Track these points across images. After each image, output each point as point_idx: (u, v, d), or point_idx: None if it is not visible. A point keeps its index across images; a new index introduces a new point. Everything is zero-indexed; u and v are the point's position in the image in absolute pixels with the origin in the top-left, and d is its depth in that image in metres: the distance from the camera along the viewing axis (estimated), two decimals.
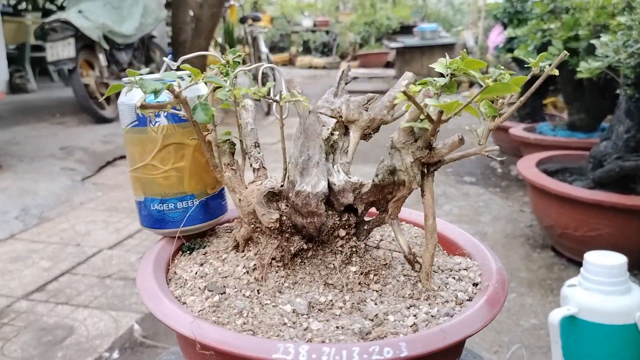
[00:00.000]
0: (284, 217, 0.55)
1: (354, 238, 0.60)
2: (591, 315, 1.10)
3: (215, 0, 5.12)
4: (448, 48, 7.27)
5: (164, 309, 0.53)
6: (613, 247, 1.48)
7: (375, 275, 0.59)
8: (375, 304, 0.56)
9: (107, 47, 4.59)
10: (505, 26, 3.65)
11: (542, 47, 2.85)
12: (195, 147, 0.65)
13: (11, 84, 5.79)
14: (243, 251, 0.63)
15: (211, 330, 0.49)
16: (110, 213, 2.78)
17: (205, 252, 0.66)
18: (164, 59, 0.69)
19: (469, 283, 0.62)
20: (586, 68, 1.98)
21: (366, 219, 0.62)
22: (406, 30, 9.09)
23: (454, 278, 0.63)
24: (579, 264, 2.12)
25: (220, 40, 6.64)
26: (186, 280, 0.59)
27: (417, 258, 0.61)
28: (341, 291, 0.57)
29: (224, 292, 0.56)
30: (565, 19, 2.72)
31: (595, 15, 2.59)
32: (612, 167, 1.95)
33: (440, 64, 0.53)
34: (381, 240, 0.67)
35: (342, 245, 0.59)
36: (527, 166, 2.26)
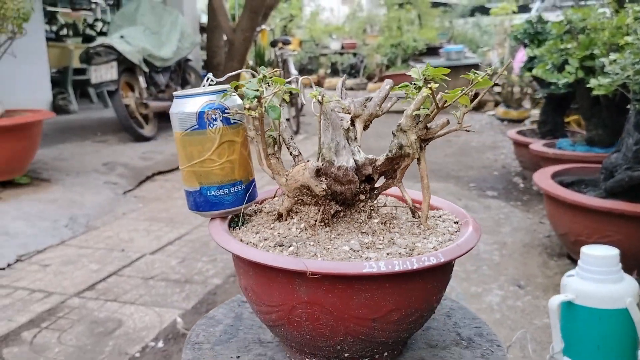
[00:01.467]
0: (326, 187, 0.73)
1: (369, 200, 0.80)
2: (587, 300, 1.23)
3: (247, 25, 5.38)
4: (473, 68, 7.39)
5: (267, 257, 0.70)
6: (624, 253, 1.60)
7: (390, 223, 0.81)
8: (401, 239, 0.76)
9: (146, 69, 4.87)
10: (525, 46, 3.79)
11: (560, 66, 2.98)
12: (242, 143, 0.83)
13: (54, 105, 6.13)
14: (286, 220, 0.81)
15: (314, 262, 0.67)
16: (151, 222, 2.99)
17: (253, 225, 0.84)
18: (209, 74, 0.87)
19: (451, 222, 0.85)
20: (596, 85, 2.11)
21: (376, 185, 0.83)
22: (432, 51, 9.26)
23: (440, 220, 0.86)
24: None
25: (252, 62, 6.91)
26: (255, 243, 0.76)
27: (416, 208, 0.83)
28: (374, 234, 0.77)
29: (292, 245, 0.73)
30: (581, 39, 2.86)
31: (610, 35, 2.72)
32: (622, 177, 2.07)
33: (414, 72, 0.72)
34: (384, 204, 0.88)
35: (363, 206, 0.80)
36: (543, 177, 2.39)
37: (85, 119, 5.90)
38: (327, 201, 0.75)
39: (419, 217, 0.82)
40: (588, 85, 2.33)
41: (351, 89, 9.94)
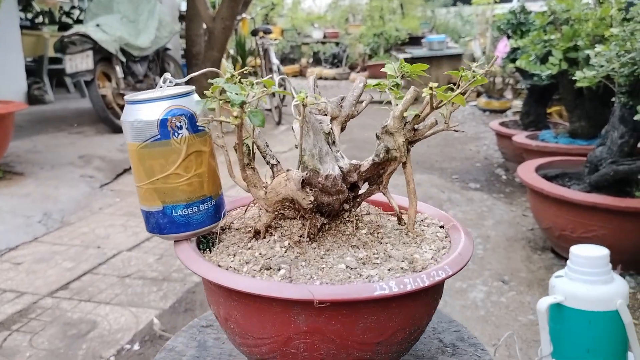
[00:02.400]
0: (313, 199, 0.67)
1: (353, 209, 0.74)
2: (576, 302, 1.19)
3: (227, 14, 5.27)
4: (455, 58, 7.38)
5: (261, 286, 0.62)
6: (609, 248, 1.57)
7: (377, 233, 0.75)
8: (395, 250, 0.71)
9: (123, 59, 4.75)
10: (508, 37, 3.76)
11: (543, 57, 2.95)
12: (210, 153, 0.74)
13: (29, 95, 5.96)
14: (264, 237, 0.73)
15: (319, 288, 0.60)
16: (128, 218, 2.91)
17: (226, 246, 0.75)
18: (166, 74, 0.75)
19: (437, 227, 0.80)
20: (581, 77, 2.08)
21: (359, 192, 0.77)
22: (415, 41, 9.21)
23: (425, 225, 0.81)
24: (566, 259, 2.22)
25: (232, 52, 6.80)
26: (235, 268, 0.68)
27: (402, 214, 0.78)
28: (365, 247, 0.71)
29: (282, 268, 0.65)
30: (564, 30, 2.83)
31: (594, 27, 2.69)
32: (607, 171, 2.05)
33: (389, 68, 0.67)
34: (368, 212, 0.82)
35: (348, 216, 0.74)
36: (527, 171, 2.36)
37: (62, 110, 5.75)
38: (313, 214, 0.69)
39: (405, 224, 0.78)
40: (573, 78, 2.30)
41: (334, 78, 9.88)
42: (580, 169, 2.40)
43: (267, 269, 0.65)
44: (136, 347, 1.77)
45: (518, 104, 5.93)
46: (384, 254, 0.69)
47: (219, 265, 0.68)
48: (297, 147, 0.66)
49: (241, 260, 0.69)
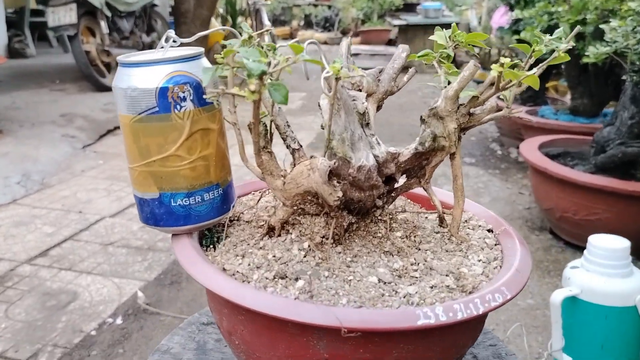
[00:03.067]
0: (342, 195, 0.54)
1: (386, 205, 0.63)
2: (592, 296, 1.12)
3: None
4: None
5: (278, 306, 0.49)
6: (611, 232, 1.50)
7: (415, 236, 0.63)
8: (437, 260, 0.60)
9: (109, 14, 4.54)
10: (511, 7, 3.63)
11: (549, 30, 2.84)
12: (219, 131, 0.62)
13: (10, 48, 5.73)
14: (279, 235, 0.62)
15: (348, 313, 0.48)
16: (112, 181, 2.79)
17: (234, 243, 0.63)
18: (169, 32, 0.61)
19: (484, 230, 0.68)
20: (594, 53, 1.98)
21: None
22: (409, 7, 9.00)
23: (470, 228, 0.69)
24: (577, 247, 2.16)
25: (222, 11, 6.57)
26: (244, 274, 0.56)
27: (445, 215, 0.66)
28: (401, 254, 0.59)
29: (301, 278, 0.54)
30: (573, 2, 2.71)
31: (604, 0, 2.58)
32: (615, 152, 1.97)
33: (439, 36, 0.56)
34: (403, 209, 0.69)
35: (380, 214, 0.62)
36: (530, 149, 2.28)
37: (43, 65, 5.54)
38: (339, 211, 0.57)
39: (447, 225, 0.66)
40: (581, 53, 2.20)
41: (325, 42, 9.65)
42: (582, 148, 2.32)
43: (282, 278, 0.54)
44: (119, 321, 1.68)
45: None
46: (424, 264, 0.58)
47: (224, 269, 0.57)
48: (323, 129, 0.55)
49: (251, 263, 0.57)
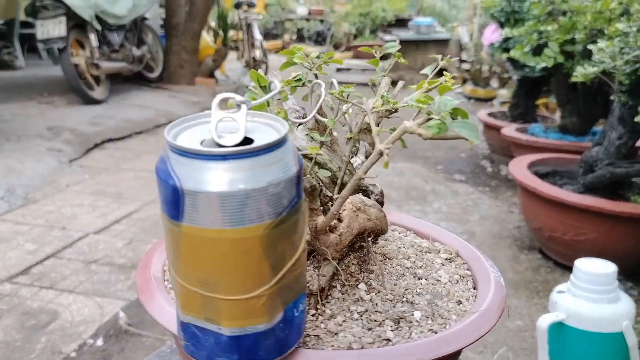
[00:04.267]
0: None
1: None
2: (579, 322, 1.10)
3: None
4: (443, 44, 7.26)
5: None
6: (600, 252, 1.49)
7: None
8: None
9: (99, 27, 4.52)
10: (501, 25, 3.65)
11: (538, 49, 2.85)
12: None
13: None
14: (327, 298, 0.54)
15: None
16: (97, 197, 2.75)
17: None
18: (274, 80, 0.53)
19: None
20: (582, 73, 1.98)
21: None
22: (401, 23, 9.06)
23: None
24: (566, 268, 2.15)
25: (213, 25, 6.58)
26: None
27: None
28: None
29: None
30: (562, 22, 2.72)
31: (592, 20, 2.59)
32: (603, 172, 1.97)
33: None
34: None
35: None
36: (519, 167, 2.27)
37: (32, 77, 5.50)
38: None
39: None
40: (570, 72, 2.20)
41: (317, 57, 9.67)
42: (571, 167, 2.32)
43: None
44: (99, 342, 1.64)
45: (504, 93, 5.85)
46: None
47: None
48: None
49: (364, 327, 0.51)
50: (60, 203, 2.67)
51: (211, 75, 5.75)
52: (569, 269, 2.11)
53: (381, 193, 0.53)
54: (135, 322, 1.74)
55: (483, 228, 2.59)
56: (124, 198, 2.72)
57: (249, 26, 6.02)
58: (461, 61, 6.82)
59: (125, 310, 1.78)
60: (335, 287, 0.55)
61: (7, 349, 1.59)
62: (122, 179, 3.06)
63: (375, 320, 0.52)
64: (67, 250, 2.19)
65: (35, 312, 1.77)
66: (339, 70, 7.58)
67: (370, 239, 0.58)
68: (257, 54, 6.07)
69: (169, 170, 0.41)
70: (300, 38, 11.26)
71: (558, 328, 1.13)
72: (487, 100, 5.99)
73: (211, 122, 0.42)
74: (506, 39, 3.46)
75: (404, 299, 0.57)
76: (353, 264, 0.57)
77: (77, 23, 4.30)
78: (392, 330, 0.52)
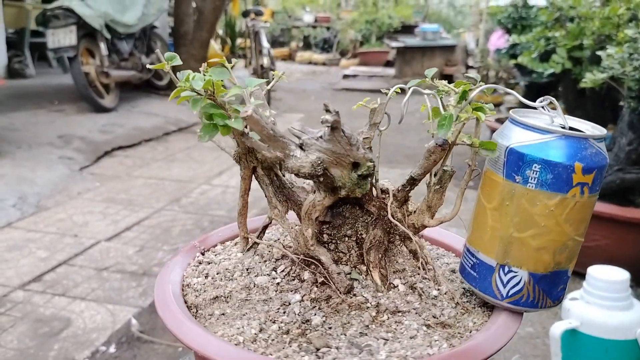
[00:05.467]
0: None
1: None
2: (592, 329, 1.10)
3: None
4: (449, 50, 7.27)
5: None
6: (611, 258, 1.49)
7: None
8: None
9: (108, 36, 4.57)
10: (508, 31, 3.65)
11: (546, 55, 2.85)
12: None
13: (10, 68, 5.74)
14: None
15: None
16: (108, 204, 2.77)
17: None
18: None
19: None
20: (591, 79, 1.98)
21: None
22: (407, 29, 9.07)
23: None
24: (577, 274, 2.14)
25: (221, 33, 6.62)
26: None
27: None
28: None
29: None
30: (570, 28, 2.73)
31: (600, 25, 2.59)
32: (613, 179, 1.96)
33: None
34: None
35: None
36: None
37: (43, 85, 5.55)
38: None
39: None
40: (578, 77, 2.20)
41: (324, 64, 9.71)
42: None
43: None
44: (112, 349, 1.65)
45: (510, 99, 5.84)
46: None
47: None
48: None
49: None
50: (71, 210, 2.69)
51: None
52: (580, 275, 2.11)
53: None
54: (147, 329, 1.75)
55: None
56: (135, 205, 2.74)
57: (256, 34, 6.05)
58: (467, 67, 6.82)
59: (137, 317, 1.80)
60: None
61: (21, 356, 1.61)
62: (132, 186, 3.08)
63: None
64: (78, 257, 2.21)
65: (48, 320, 1.78)
66: (345, 76, 7.60)
67: None
68: (265, 61, 6.09)
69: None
70: (307, 45, 11.30)
71: (571, 335, 1.13)
72: (495, 106, 5.99)
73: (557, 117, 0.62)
74: (513, 45, 3.46)
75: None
76: None
77: (87, 32, 4.34)
78: None
